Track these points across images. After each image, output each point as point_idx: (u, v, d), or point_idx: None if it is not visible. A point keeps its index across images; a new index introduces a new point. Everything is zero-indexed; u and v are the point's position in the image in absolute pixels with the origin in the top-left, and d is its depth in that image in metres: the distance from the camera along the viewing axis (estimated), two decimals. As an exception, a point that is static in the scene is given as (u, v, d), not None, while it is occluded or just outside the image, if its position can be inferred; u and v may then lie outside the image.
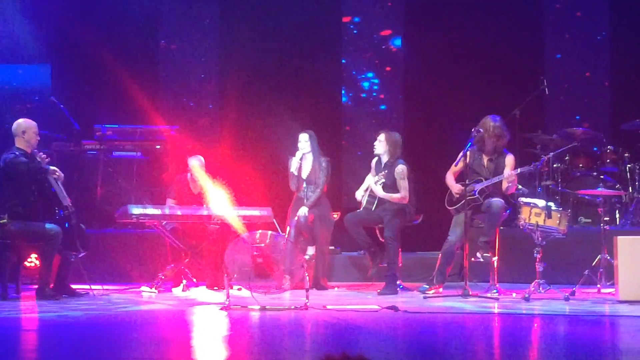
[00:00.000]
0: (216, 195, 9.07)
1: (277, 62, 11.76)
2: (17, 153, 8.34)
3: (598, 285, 8.55)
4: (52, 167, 8.51)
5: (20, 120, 8.58)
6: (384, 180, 9.03)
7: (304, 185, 9.47)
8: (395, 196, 9.01)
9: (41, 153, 8.60)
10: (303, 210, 9.32)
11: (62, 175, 8.54)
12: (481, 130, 8.70)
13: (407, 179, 9.02)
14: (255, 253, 7.67)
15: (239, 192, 9.37)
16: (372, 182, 9.15)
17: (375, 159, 9.31)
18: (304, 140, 9.49)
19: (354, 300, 8.37)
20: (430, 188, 9.76)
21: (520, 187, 8.91)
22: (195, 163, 9.41)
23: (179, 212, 9.06)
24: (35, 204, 8.36)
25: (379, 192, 9.05)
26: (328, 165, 9.52)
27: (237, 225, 8.58)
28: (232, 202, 9.07)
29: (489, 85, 11.23)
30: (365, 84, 12.12)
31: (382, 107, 12.10)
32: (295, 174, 9.43)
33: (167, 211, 9.03)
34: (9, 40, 11.22)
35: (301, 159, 9.50)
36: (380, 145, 9.16)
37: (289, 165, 9.54)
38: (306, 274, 7.74)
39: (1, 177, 8.34)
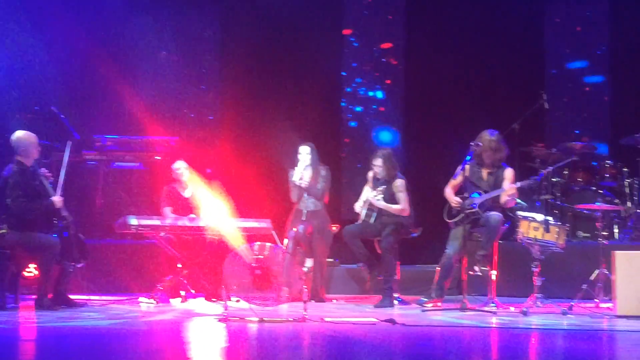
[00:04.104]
0: (211, 203, 9.06)
1: (277, 74, 11.79)
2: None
3: (596, 300, 8.55)
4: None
5: (20, 134, 8.46)
6: (382, 195, 9.05)
7: (305, 196, 9.46)
8: (395, 207, 9.02)
9: (44, 169, 8.58)
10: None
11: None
12: (480, 143, 8.72)
13: (406, 191, 9.05)
14: (253, 265, 7.68)
15: (238, 203, 9.37)
16: (370, 195, 9.16)
17: (372, 172, 9.32)
18: (306, 153, 9.48)
19: (352, 313, 8.36)
20: (429, 201, 9.75)
21: (519, 201, 8.93)
22: (182, 164, 9.48)
23: (178, 223, 9.06)
24: (34, 215, 8.34)
25: (380, 202, 9.05)
26: (328, 173, 9.53)
27: (234, 238, 8.57)
28: (231, 212, 9.07)
29: (489, 98, 11.26)
30: (365, 97, 12.14)
31: (382, 119, 12.12)
32: (297, 184, 9.43)
33: (166, 222, 9.04)
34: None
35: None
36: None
37: (289, 176, 9.53)
38: (304, 286, 7.75)
39: (1, 188, 8.33)
